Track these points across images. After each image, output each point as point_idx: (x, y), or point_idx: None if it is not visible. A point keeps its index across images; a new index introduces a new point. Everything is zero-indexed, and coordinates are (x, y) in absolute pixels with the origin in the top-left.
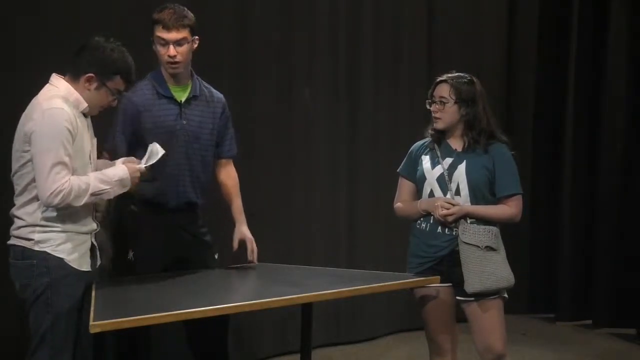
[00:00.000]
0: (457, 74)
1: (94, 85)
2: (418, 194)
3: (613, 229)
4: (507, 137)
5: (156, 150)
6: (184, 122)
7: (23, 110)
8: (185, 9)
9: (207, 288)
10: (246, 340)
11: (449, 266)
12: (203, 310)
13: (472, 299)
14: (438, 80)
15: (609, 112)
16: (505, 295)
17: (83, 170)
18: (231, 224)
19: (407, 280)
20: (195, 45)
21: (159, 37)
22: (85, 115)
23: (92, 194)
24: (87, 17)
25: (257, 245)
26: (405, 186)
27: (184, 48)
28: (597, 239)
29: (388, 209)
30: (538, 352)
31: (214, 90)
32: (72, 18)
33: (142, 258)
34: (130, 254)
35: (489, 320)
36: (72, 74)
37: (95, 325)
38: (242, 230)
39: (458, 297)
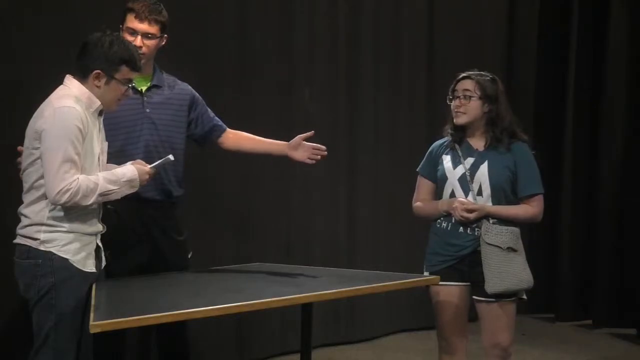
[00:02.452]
0: (478, 72)
1: (103, 80)
2: (438, 193)
3: (613, 229)
4: (527, 136)
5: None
6: (147, 110)
7: (31, 109)
8: (161, 5)
9: (207, 288)
10: (246, 340)
11: (470, 266)
12: (203, 310)
13: (493, 299)
14: (461, 76)
15: (609, 112)
16: (524, 297)
17: (90, 172)
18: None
19: (407, 280)
20: (163, 43)
21: (129, 27)
22: (100, 114)
23: (101, 194)
24: (87, 15)
25: (256, 245)
26: (424, 185)
27: (152, 42)
28: (597, 239)
29: (388, 208)
30: (538, 352)
31: (178, 81)
32: (72, 16)
33: (117, 257)
34: (106, 253)
35: (504, 320)
36: (80, 75)
37: (95, 325)
38: (292, 142)
39: (475, 297)
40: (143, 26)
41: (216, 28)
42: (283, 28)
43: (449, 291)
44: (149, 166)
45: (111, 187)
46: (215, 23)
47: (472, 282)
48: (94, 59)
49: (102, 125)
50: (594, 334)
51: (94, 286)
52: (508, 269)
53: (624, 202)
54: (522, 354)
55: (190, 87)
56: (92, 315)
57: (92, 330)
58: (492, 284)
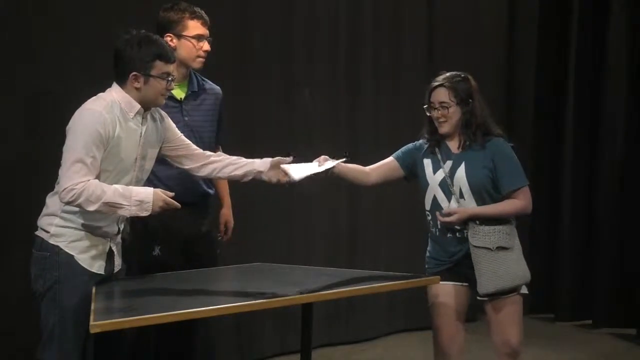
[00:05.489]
0: (449, 74)
1: (141, 81)
2: (421, 198)
3: (613, 229)
4: (501, 129)
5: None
6: (186, 118)
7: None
8: None
9: (207, 288)
10: (246, 340)
11: (465, 268)
12: (203, 311)
13: (486, 299)
14: (434, 85)
15: (609, 112)
16: (525, 292)
17: (119, 177)
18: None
19: (407, 280)
20: None
21: (198, 34)
22: (144, 117)
23: (106, 203)
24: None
25: (257, 245)
26: (386, 160)
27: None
28: (597, 239)
29: (388, 208)
30: (538, 352)
31: (212, 84)
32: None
33: (166, 253)
34: (157, 250)
35: (507, 317)
36: (119, 82)
37: (95, 325)
38: (227, 213)
39: (478, 298)
40: (207, 31)
41: (216, 28)
42: (283, 28)
43: (445, 290)
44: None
45: (120, 200)
46: (215, 23)
47: (470, 283)
48: (127, 62)
49: (150, 130)
50: (594, 334)
51: (94, 286)
52: (499, 268)
53: (624, 202)
54: (522, 354)
55: (220, 90)
56: (92, 315)
57: (92, 330)
58: (484, 285)
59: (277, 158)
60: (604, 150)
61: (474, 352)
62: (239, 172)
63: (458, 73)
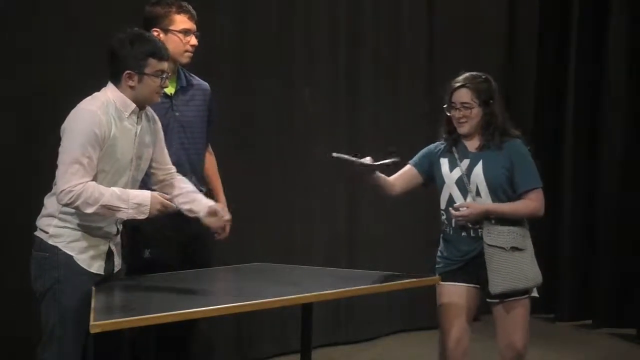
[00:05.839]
0: (470, 74)
1: (135, 79)
2: (437, 197)
3: (613, 229)
4: (519, 132)
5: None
6: (177, 113)
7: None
8: None
9: (207, 288)
10: (246, 340)
11: (477, 268)
12: (203, 311)
13: (497, 300)
14: (456, 85)
15: (609, 112)
16: (535, 294)
17: (116, 177)
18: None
19: (407, 280)
20: None
21: (185, 28)
22: (139, 117)
23: (104, 206)
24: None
25: (256, 245)
26: (404, 169)
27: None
28: (597, 239)
29: (388, 208)
30: (538, 352)
31: (200, 80)
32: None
33: (158, 255)
34: (147, 252)
35: (514, 319)
36: (113, 81)
37: (95, 325)
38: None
39: (488, 299)
40: (194, 25)
41: (216, 28)
42: (283, 28)
43: (455, 291)
44: (374, 163)
45: (118, 203)
46: (215, 23)
47: (481, 284)
48: (121, 61)
49: (145, 130)
50: (594, 334)
51: (93, 287)
52: (512, 268)
53: (624, 202)
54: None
55: (209, 87)
56: (92, 315)
57: (92, 331)
58: (495, 285)
59: (214, 206)
60: (604, 150)
61: (476, 353)
62: (186, 206)
63: (479, 74)
